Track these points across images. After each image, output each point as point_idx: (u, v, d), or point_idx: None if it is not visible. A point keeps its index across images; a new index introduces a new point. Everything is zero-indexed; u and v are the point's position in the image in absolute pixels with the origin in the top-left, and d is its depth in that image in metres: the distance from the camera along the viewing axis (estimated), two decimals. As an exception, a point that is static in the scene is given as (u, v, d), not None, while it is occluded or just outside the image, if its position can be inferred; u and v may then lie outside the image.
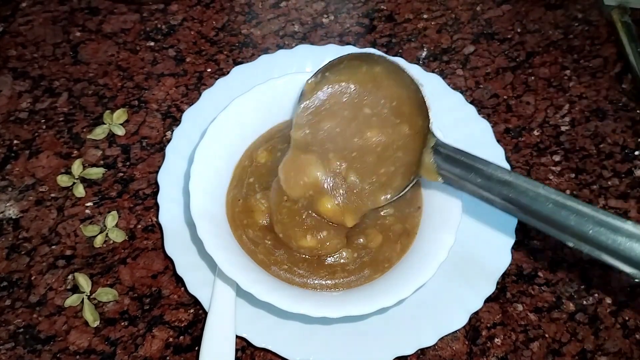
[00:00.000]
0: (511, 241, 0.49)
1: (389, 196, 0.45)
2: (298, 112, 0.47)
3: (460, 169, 0.41)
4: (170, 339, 0.47)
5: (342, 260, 0.46)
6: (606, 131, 0.59)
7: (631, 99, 0.61)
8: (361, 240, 0.46)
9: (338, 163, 0.46)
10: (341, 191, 0.46)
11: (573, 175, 0.56)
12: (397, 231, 0.46)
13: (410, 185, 0.44)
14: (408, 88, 0.45)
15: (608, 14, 0.67)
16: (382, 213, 0.47)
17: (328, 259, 0.46)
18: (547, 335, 0.48)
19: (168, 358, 0.47)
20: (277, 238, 0.46)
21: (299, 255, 0.46)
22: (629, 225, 0.33)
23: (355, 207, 0.45)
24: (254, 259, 0.45)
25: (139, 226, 0.53)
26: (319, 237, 0.45)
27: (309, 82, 0.47)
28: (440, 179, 0.42)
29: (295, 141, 0.47)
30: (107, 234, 0.52)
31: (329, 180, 0.46)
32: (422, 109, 0.44)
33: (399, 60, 0.47)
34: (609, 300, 0.50)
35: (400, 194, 0.45)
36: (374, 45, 0.64)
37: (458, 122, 0.54)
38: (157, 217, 0.51)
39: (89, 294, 0.49)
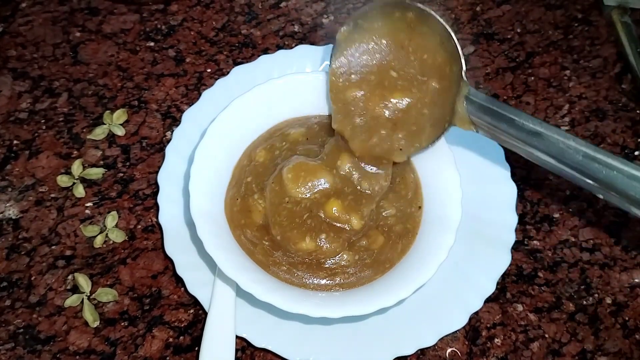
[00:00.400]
0: (511, 241, 0.49)
1: (418, 145, 0.46)
2: (333, 70, 0.48)
3: (493, 118, 0.41)
4: (170, 339, 0.47)
5: (342, 263, 0.45)
6: (606, 131, 0.59)
7: (631, 99, 0.61)
8: (363, 242, 0.46)
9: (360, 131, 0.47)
10: (349, 195, 0.46)
11: (573, 176, 0.56)
12: (398, 232, 0.46)
13: (444, 133, 0.45)
14: (441, 35, 0.44)
15: (608, 14, 0.67)
16: (384, 214, 0.47)
17: (328, 261, 0.45)
18: (547, 336, 0.48)
19: (168, 358, 0.47)
20: (274, 239, 0.46)
21: (297, 258, 0.45)
22: None
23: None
24: (252, 259, 0.45)
25: (139, 226, 0.53)
26: (318, 240, 0.45)
27: (343, 31, 0.47)
28: (474, 127, 0.43)
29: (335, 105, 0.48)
30: (107, 234, 0.52)
31: (338, 182, 0.46)
32: (454, 56, 0.44)
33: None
34: (608, 301, 0.50)
35: (433, 143, 0.46)
36: (373, 45, 0.64)
37: (458, 122, 0.54)
38: (157, 217, 0.51)
39: (88, 294, 0.49)
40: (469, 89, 0.43)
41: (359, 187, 0.47)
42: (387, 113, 0.47)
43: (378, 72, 0.48)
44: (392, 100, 0.47)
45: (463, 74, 0.43)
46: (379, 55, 0.48)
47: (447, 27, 0.44)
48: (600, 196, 0.36)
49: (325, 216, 0.45)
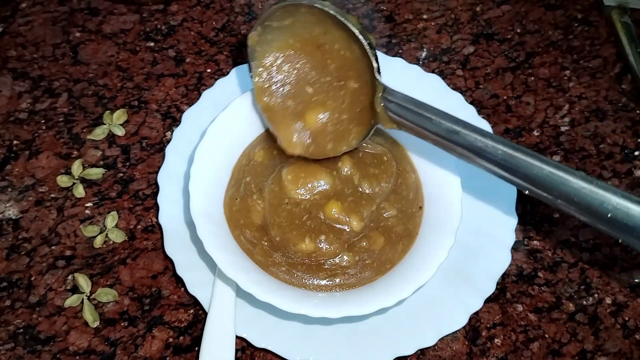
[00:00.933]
0: (511, 241, 0.49)
1: (346, 146, 0.47)
2: (257, 86, 0.48)
3: (412, 117, 0.41)
4: (170, 340, 0.47)
5: (343, 264, 0.45)
6: (606, 131, 0.59)
7: (631, 99, 0.61)
8: (364, 243, 0.46)
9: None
10: (349, 197, 0.46)
11: (573, 176, 0.56)
12: (399, 232, 0.46)
13: (371, 131, 0.45)
14: (349, 31, 0.43)
15: (608, 14, 0.67)
16: (384, 215, 0.47)
17: (328, 262, 0.45)
18: (547, 336, 0.48)
19: (168, 358, 0.47)
20: (274, 240, 0.46)
21: (296, 259, 0.45)
22: (577, 179, 0.34)
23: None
24: (252, 260, 0.45)
25: (139, 226, 0.53)
26: (317, 242, 0.45)
27: (252, 35, 0.46)
28: (396, 126, 0.43)
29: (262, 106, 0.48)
30: (107, 234, 0.52)
31: (337, 183, 0.46)
32: (365, 53, 0.43)
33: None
34: (608, 301, 0.50)
35: (362, 140, 0.46)
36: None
37: (458, 122, 0.54)
38: (157, 218, 0.51)
39: (88, 295, 0.49)
40: (384, 88, 0.43)
41: (359, 189, 0.47)
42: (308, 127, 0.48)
43: (296, 91, 0.48)
44: (308, 120, 0.47)
45: (375, 72, 0.43)
46: (296, 64, 0.47)
47: (340, 17, 0.42)
48: (526, 192, 0.37)
49: (325, 217, 0.45)
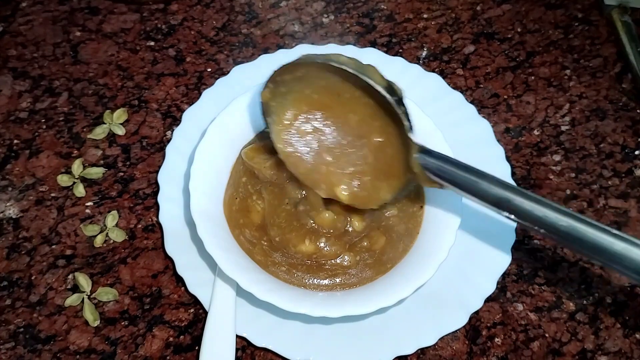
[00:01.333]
0: (511, 240, 0.49)
1: (387, 197, 0.44)
2: (280, 150, 0.45)
3: (455, 180, 0.39)
4: (171, 339, 0.47)
5: (344, 264, 0.45)
6: (606, 131, 0.59)
7: (631, 99, 0.61)
8: (365, 243, 0.46)
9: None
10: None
11: (573, 175, 0.56)
12: (400, 232, 0.46)
13: (408, 187, 0.42)
14: (369, 89, 0.40)
15: (608, 13, 0.67)
16: (386, 214, 0.47)
17: (329, 262, 0.45)
18: (547, 335, 0.48)
19: (168, 358, 0.47)
20: (273, 240, 0.46)
21: (297, 260, 0.45)
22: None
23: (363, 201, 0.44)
24: (252, 259, 0.45)
25: (139, 226, 0.53)
26: (317, 243, 0.44)
27: (264, 92, 0.43)
28: (437, 186, 0.40)
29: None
30: (107, 233, 0.52)
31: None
32: (394, 117, 0.40)
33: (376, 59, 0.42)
34: (609, 300, 0.50)
35: (397, 194, 0.43)
36: (374, 44, 0.64)
37: (458, 121, 0.54)
38: (157, 217, 0.51)
39: (89, 294, 0.49)
40: (420, 148, 0.39)
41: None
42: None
43: (316, 161, 0.45)
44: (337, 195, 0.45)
45: (407, 132, 0.39)
46: (315, 122, 0.44)
47: (361, 76, 0.38)
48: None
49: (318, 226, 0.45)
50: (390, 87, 0.39)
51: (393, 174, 0.43)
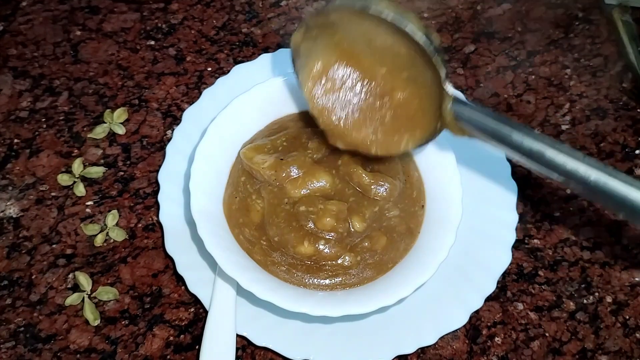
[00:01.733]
0: (511, 240, 0.49)
1: (409, 145, 0.44)
2: (311, 98, 0.45)
3: (488, 130, 0.38)
4: (171, 338, 0.47)
5: (345, 264, 0.45)
6: (607, 130, 0.59)
7: (631, 98, 0.61)
8: (366, 244, 0.45)
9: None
10: (350, 197, 0.46)
11: (573, 174, 0.56)
12: (401, 232, 0.46)
13: (435, 136, 0.42)
14: (402, 38, 0.39)
15: (609, 13, 0.66)
16: (388, 215, 0.47)
17: (329, 263, 0.45)
18: (547, 334, 0.48)
19: (168, 357, 0.47)
20: (272, 240, 0.45)
21: (296, 260, 0.45)
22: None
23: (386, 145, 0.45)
24: (252, 259, 0.45)
25: (140, 225, 0.53)
26: (316, 245, 0.44)
27: (295, 35, 0.43)
28: (467, 135, 0.40)
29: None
30: (107, 232, 0.52)
31: (337, 183, 0.46)
32: (426, 56, 0.39)
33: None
34: (609, 299, 0.50)
35: (420, 144, 0.44)
36: (374, 44, 0.64)
37: (458, 121, 0.54)
38: (157, 216, 0.51)
39: (89, 293, 0.49)
40: (454, 98, 0.40)
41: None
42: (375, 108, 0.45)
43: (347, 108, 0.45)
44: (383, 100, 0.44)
45: (442, 82, 0.39)
46: (343, 70, 0.44)
47: (399, 25, 0.38)
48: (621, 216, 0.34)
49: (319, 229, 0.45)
50: (429, 35, 0.39)
51: (418, 125, 0.43)
